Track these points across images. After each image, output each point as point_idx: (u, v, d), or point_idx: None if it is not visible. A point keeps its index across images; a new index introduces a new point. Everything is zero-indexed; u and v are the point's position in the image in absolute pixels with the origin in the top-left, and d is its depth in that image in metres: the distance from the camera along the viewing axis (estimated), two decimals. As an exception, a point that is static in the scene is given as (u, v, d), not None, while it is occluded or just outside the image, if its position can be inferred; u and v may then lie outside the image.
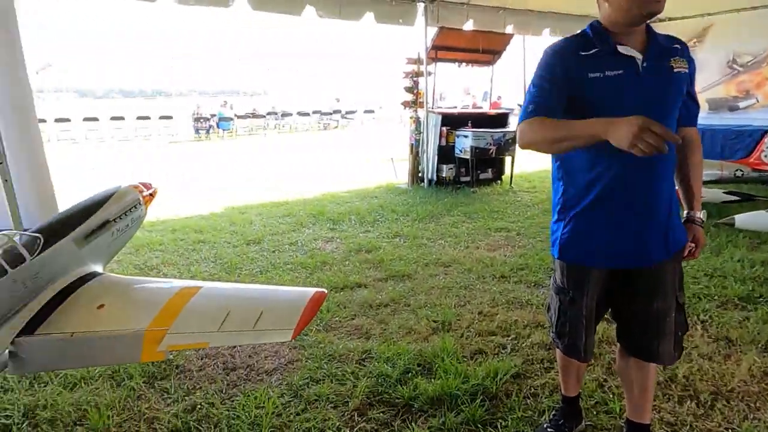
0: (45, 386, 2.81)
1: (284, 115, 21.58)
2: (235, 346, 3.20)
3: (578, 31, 1.93)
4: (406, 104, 9.05)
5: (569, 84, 1.81)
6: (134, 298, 2.80)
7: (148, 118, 18.58)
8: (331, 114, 22.78)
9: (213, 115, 19.15)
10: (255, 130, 19.67)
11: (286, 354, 3.17)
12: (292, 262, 4.88)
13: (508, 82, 14.78)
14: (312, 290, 2.68)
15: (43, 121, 16.19)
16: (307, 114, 22.15)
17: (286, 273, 4.60)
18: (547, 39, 9.88)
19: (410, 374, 2.88)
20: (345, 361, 3.05)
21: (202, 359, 3.09)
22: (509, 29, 9.37)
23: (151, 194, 3.98)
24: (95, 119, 17.90)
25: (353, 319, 3.66)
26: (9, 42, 5.32)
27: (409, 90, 8.91)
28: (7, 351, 2.38)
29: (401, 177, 9.28)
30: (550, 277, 2.20)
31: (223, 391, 2.78)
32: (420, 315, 3.68)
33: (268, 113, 21.47)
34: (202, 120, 18.45)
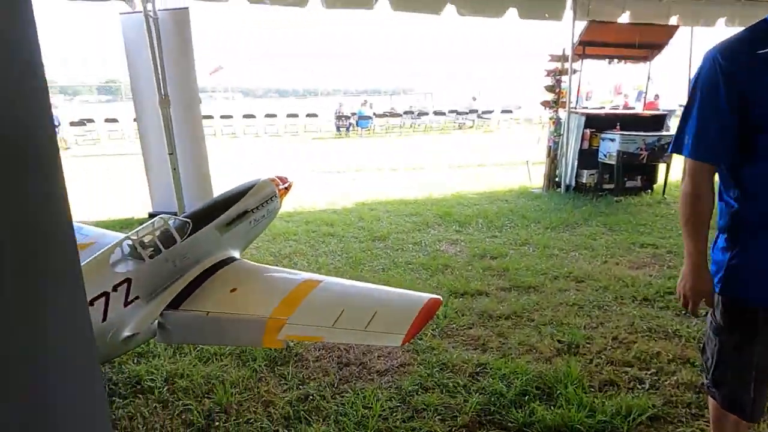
0: (184, 357, 3.13)
1: (420, 114, 21.86)
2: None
3: (756, 22, 1.54)
4: (545, 104, 8.52)
5: (739, 103, 1.48)
6: (262, 285, 2.98)
7: (296, 115, 20.13)
8: (467, 113, 22.53)
9: (353, 114, 20.11)
10: (392, 129, 20.22)
11: (399, 356, 3.14)
12: (414, 262, 4.86)
13: (669, 79, 13.19)
14: (427, 296, 2.61)
15: (210, 117, 18.40)
16: (443, 113, 22.17)
17: (407, 273, 4.59)
18: (721, 30, 8.57)
19: (527, 397, 2.66)
20: (458, 373, 2.93)
21: (318, 350, 3.20)
22: (673, 20, 8.32)
23: (286, 188, 4.24)
24: (252, 116, 19.93)
25: (471, 328, 3.51)
26: (183, 48, 6.07)
27: (550, 89, 8.37)
28: (156, 321, 2.68)
29: (536, 181, 8.78)
30: (707, 312, 1.84)
31: (335, 386, 2.83)
32: (544, 333, 3.40)
33: (405, 112, 21.91)
34: (343, 118, 19.48)
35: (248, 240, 3.90)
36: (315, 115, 20.63)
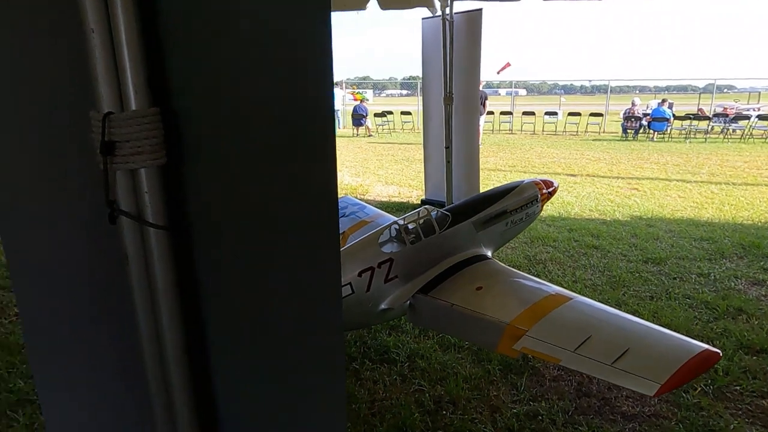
0: (427, 340, 3.35)
1: (737, 117, 17.86)
2: (595, 371, 2.95)
3: None
4: None
5: None
6: (508, 289, 2.94)
7: (578, 114, 18.99)
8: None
9: (646, 115, 17.80)
10: (694, 134, 17.14)
11: (653, 404, 2.69)
12: (695, 297, 4.06)
13: None
14: (701, 346, 2.15)
15: (492, 113, 18.92)
16: (773, 118, 17.60)
17: (683, 308, 3.87)
18: None
19: None
20: (731, 448, 2.34)
21: (557, 370, 2.99)
22: None
23: (550, 192, 4.06)
24: (531, 113, 19.71)
25: (763, 398, 2.76)
26: (471, 48, 6.36)
27: None
28: (408, 302, 2.94)
29: None
30: None
31: (569, 414, 2.61)
32: None
33: (716, 115, 18.26)
34: (633, 119, 17.45)
35: (503, 240, 3.90)
36: (599, 114, 19.09)
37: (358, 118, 18.15)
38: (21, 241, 1.30)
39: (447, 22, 6.07)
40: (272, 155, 1.23)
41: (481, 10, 6.22)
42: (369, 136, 17.86)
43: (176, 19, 1.14)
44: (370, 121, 18.62)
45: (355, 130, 18.19)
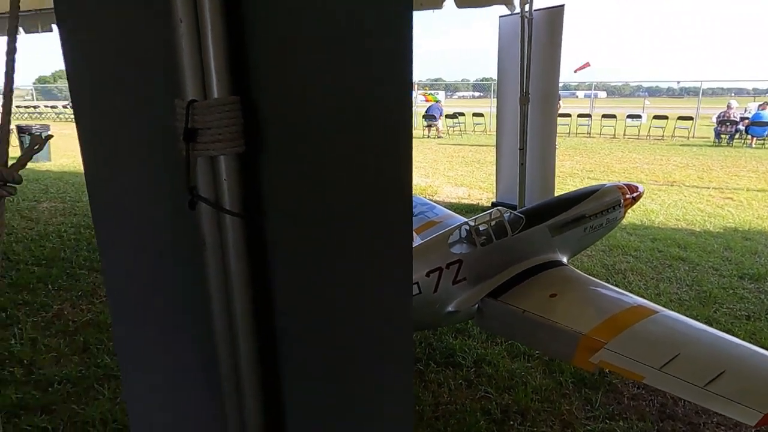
0: (495, 346, 3.24)
1: None
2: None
3: None
4: None
5: None
6: (585, 298, 2.78)
7: (665, 117, 17.78)
8: None
9: (744, 119, 16.34)
10: (801, 140, 15.49)
11: (750, 435, 2.43)
12: (801, 320, 3.64)
13: None
14: (813, 373, 1.90)
15: (567, 115, 18.16)
16: None
17: (786, 331, 3.48)
18: None
19: None
20: None
21: (638, 388, 2.78)
22: None
23: (634, 198, 3.80)
24: (612, 116, 18.68)
25: None
26: (551, 47, 6.11)
27: None
28: (476, 306, 2.85)
29: None
30: None
31: (650, 437, 2.42)
32: None
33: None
34: (728, 123, 16.06)
35: (581, 247, 3.70)
36: (689, 118, 17.77)
37: (430, 117, 18.04)
38: (110, 226, 1.37)
39: (526, 20, 5.87)
40: (348, 149, 1.22)
41: (563, 6, 5.96)
42: (438, 137, 17.72)
43: (260, 12, 1.15)
44: (441, 123, 18.46)
45: (425, 131, 18.12)
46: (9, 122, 0.87)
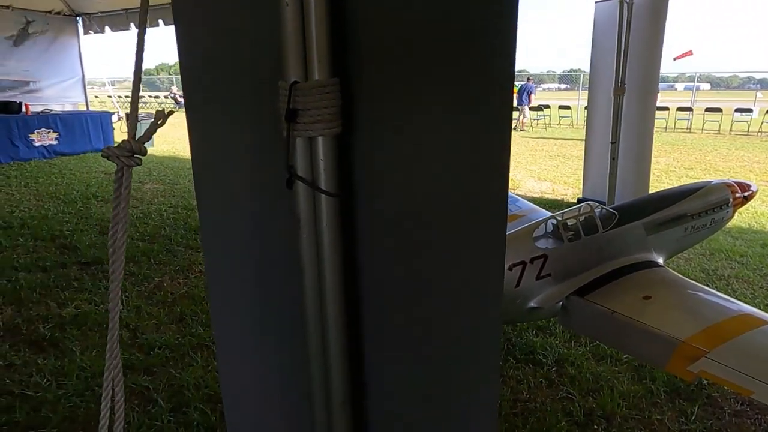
0: (579, 346, 3.09)
1: None
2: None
3: None
4: None
5: None
6: (683, 302, 2.59)
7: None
8: None
9: None
10: None
11: None
12: None
13: None
14: None
15: (666, 109, 16.85)
16: None
17: None
18: None
19: None
20: None
21: (741, 404, 2.54)
22: None
23: (745, 197, 3.46)
24: (717, 110, 17.10)
25: None
26: (653, 35, 5.68)
27: None
28: (561, 303, 2.74)
29: None
30: None
31: (754, 458, 2.20)
32: None
33: None
34: None
35: (680, 247, 3.43)
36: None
37: (521, 101, 17.02)
38: (213, 205, 1.46)
39: (626, 5, 5.50)
40: (445, 135, 1.21)
41: (668, -11, 5.53)
42: (522, 130, 17.13)
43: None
44: (527, 111, 17.63)
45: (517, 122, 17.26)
46: (137, 103, 0.95)
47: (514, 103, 17.46)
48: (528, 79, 18.61)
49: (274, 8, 1.13)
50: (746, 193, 3.43)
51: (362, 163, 1.27)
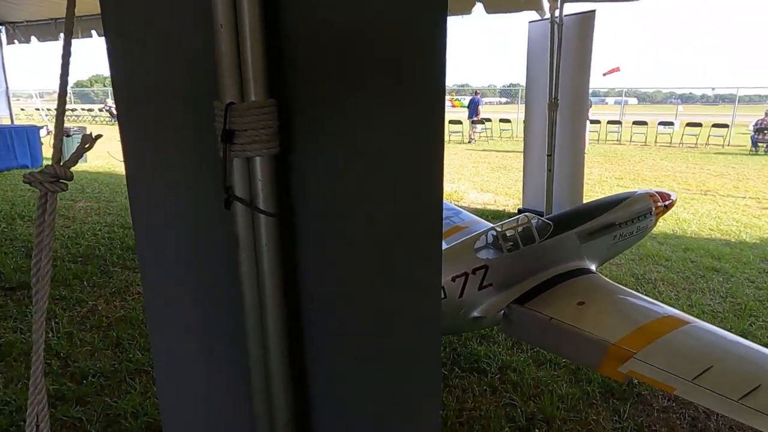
0: (521, 353, 3.20)
1: None
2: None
3: None
4: None
5: None
6: (614, 307, 2.74)
7: (698, 125, 17.32)
8: None
9: (783, 126, 15.78)
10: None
11: (786, 452, 2.34)
12: (843, 336, 3.50)
13: None
14: None
15: (597, 122, 17.84)
16: None
17: (827, 347, 3.34)
18: None
19: None
20: None
21: (668, 400, 2.72)
22: None
23: (666, 206, 3.72)
24: (643, 123, 18.29)
25: None
26: (581, 52, 6.04)
27: None
28: (502, 312, 2.83)
29: None
30: None
31: (680, 451, 2.36)
32: None
33: None
34: (766, 131, 15.55)
35: (610, 255, 3.63)
36: (724, 126, 17.26)
37: (473, 112, 17.84)
38: (149, 225, 1.42)
39: (556, 25, 5.82)
40: (380, 152, 1.24)
41: (594, 11, 5.90)
42: (468, 142, 17.62)
43: (297, 18, 1.18)
44: (476, 128, 18.25)
45: (470, 134, 17.94)
46: (63, 123, 0.92)
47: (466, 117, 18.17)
48: (476, 93, 19.24)
49: (208, 30, 1.13)
50: (666, 202, 3.69)
51: (302, 182, 1.28)
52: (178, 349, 1.52)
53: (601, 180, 9.89)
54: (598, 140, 17.81)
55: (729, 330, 3.49)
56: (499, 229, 3.02)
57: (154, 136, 1.34)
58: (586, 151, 10.91)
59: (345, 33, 1.19)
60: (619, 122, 18.93)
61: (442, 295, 2.77)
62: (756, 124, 16.25)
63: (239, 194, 1.21)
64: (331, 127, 1.24)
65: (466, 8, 6.22)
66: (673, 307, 3.88)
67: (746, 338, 3.35)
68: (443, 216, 4.44)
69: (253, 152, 1.17)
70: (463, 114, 19.40)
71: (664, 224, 6.31)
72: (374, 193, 1.27)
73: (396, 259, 1.30)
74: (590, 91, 12.52)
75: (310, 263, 1.31)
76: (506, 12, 6.54)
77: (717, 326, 3.28)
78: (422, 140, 1.22)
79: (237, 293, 1.27)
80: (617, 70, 20.58)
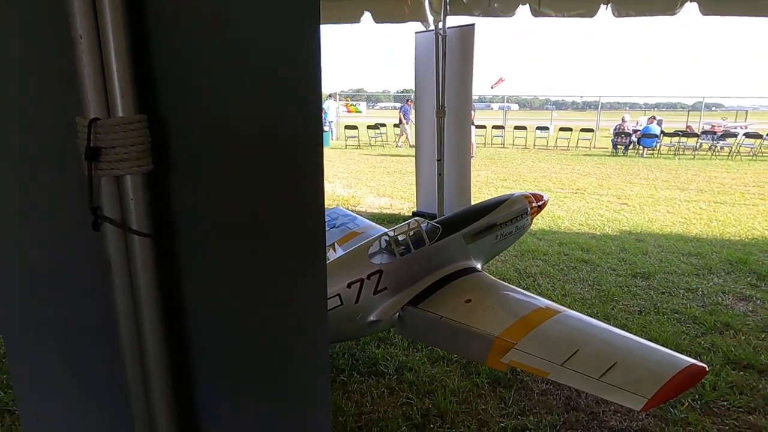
0: (416, 352, 3.33)
1: (725, 135, 18.11)
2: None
3: None
4: None
5: None
6: (497, 302, 2.94)
7: (569, 129, 19.20)
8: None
9: (636, 131, 18.03)
10: (683, 151, 17.37)
11: (641, 419, 2.69)
12: (683, 312, 4.08)
13: None
14: (688, 360, 2.16)
15: (483, 127, 19.04)
16: (760, 136, 17.87)
17: (671, 323, 3.89)
18: None
19: None
20: (718, 464, 2.34)
21: (546, 384, 2.98)
22: None
23: (540, 206, 4.08)
24: (523, 128, 19.91)
25: (750, 413, 2.76)
26: (464, 63, 6.42)
27: None
28: (397, 314, 2.93)
29: None
30: None
31: (556, 428, 2.60)
32: None
33: (704, 132, 18.52)
34: (623, 135, 17.66)
35: (493, 253, 3.90)
36: (590, 130, 19.30)
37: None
38: (3, 246, 1.29)
39: (440, 37, 6.13)
40: (259, 166, 1.24)
41: (473, 25, 6.30)
42: (359, 147, 17.87)
43: (164, 29, 1.14)
44: (408, 128, 18.34)
45: (397, 140, 18.31)
46: None
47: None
48: (407, 101, 19.57)
49: (66, 39, 1.06)
50: (540, 203, 4.05)
51: (180, 201, 1.24)
52: (44, 384, 1.39)
53: (487, 182, 10.58)
54: (484, 144, 19.02)
55: (595, 315, 3.93)
56: (391, 234, 3.12)
57: (8, 156, 1.22)
58: (473, 155, 11.60)
59: (216, 43, 1.17)
60: (502, 127, 20.37)
61: (339, 302, 2.80)
62: (615, 129, 18.36)
63: (109, 215, 1.14)
64: (206, 143, 1.22)
65: (355, 17, 6.34)
66: (550, 297, 4.29)
67: (609, 321, 3.80)
68: (339, 222, 4.47)
69: (122, 170, 1.12)
70: (358, 119, 19.62)
71: (542, 221, 6.92)
72: (255, 207, 1.27)
73: (278, 269, 1.31)
74: (476, 97, 13.31)
75: (190, 281, 1.27)
76: (393, 22, 6.76)
77: (585, 312, 3.67)
78: (298, 151, 1.25)
79: (112, 321, 1.20)
80: (502, 80, 22.10)
